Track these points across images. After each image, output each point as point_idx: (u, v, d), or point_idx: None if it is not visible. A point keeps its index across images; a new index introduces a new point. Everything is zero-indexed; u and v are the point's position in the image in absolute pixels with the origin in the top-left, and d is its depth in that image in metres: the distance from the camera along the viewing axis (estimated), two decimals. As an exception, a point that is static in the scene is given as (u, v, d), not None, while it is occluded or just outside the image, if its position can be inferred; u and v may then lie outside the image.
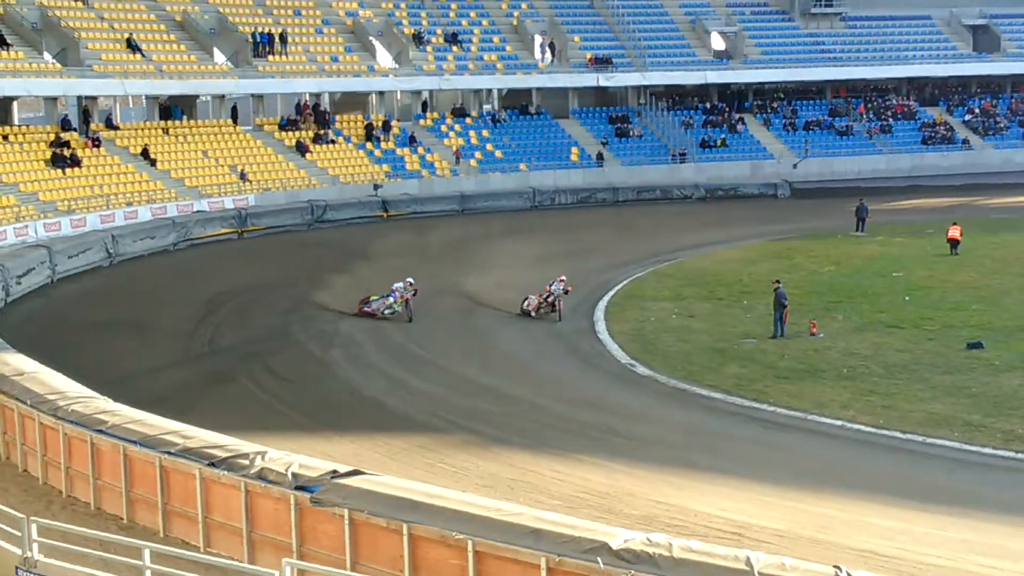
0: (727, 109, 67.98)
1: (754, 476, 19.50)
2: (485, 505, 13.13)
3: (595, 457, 20.48)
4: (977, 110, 70.91)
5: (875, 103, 70.60)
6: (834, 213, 50.70)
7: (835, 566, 11.10)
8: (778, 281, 30.71)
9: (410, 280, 32.31)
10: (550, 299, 31.97)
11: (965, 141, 68.16)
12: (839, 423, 22.72)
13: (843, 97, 70.58)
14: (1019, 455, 20.60)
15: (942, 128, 68.60)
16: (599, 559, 11.45)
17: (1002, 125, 69.77)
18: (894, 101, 71.07)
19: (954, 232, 41.63)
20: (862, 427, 22.48)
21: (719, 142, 64.77)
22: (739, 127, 66.32)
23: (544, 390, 25.69)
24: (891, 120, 68.91)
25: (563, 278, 32.42)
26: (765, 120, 67.70)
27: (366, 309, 32.28)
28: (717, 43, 69.83)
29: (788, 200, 60.08)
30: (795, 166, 63.80)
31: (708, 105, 68.30)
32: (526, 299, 32.47)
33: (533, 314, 31.96)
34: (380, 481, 14.05)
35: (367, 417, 23.39)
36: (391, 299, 32.01)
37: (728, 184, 61.49)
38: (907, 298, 34.21)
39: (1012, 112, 71.41)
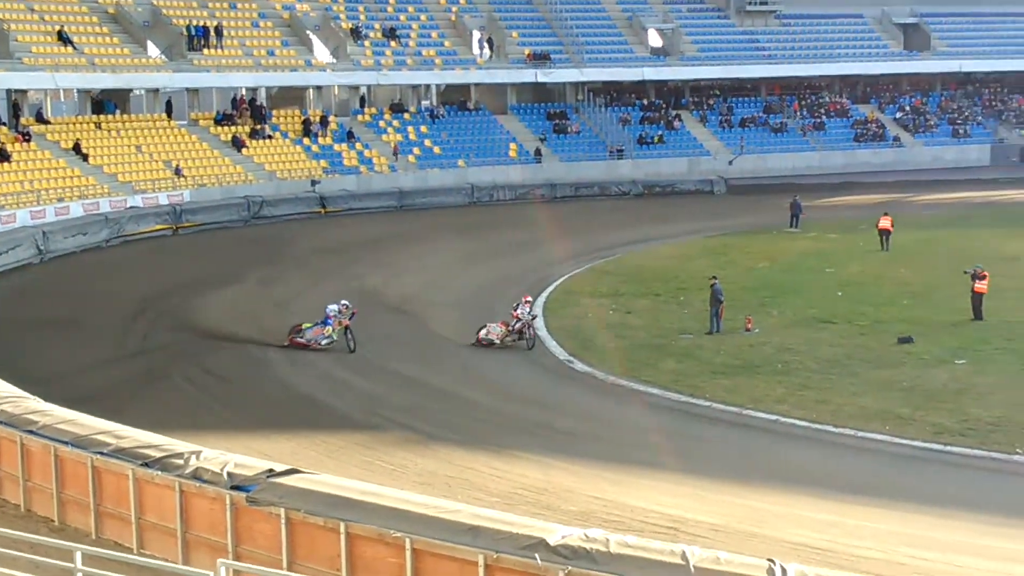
0: (664, 106, 68.45)
1: (690, 471, 19.69)
2: (423, 503, 13.10)
3: (533, 454, 20.53)
4: (908, 108, 72.06)
5: (809, 100, 71.48)
6: (769, 209, 51.23)
7: (769, 559, 11.20)
8: (715, 277, 30.95)
9: (345, 303, 28.41)
10: (517, 326, 28.55)
11: (896, 138, 69.22)
12: (774, 417, 22.93)
13: (778, 94, 71.38)
14: (948, 447, 20.95)
15: (874, 125, 69.62)
16: (537, 555, 11.48)
17: (932, 123, 70.96)
18: (827, 99, 72.00)
19: (885, 223, 42.21)
20: (796, 421, 22.72)
21: (656, 139, 65.22)
22: (676, 124, 66.81)
23: (482, 387, 25.70)
24: (824, 117, 69.81)
25: (528, 299, 29.47)
26: (701, 117, 68.27)
27: (298, 340, 28.22)
28: (654, 40, 70.33)
29: (724, 196, 60.66)
30: (731, 163, 64.40)
31: (645, 102, 68.74)
32: (484, 328, 28.86)
33: (498, 342, 28.41)
34: (317, 480, 13.97)
35: (304, 415, 23.25)
36: (327, 326, 28.07)
37: (665, 180, 61.96)
38: (840, 293, 34.69)
39: (942, 110, 72.64)
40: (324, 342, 27.98)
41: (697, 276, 35.54)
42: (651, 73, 67.89)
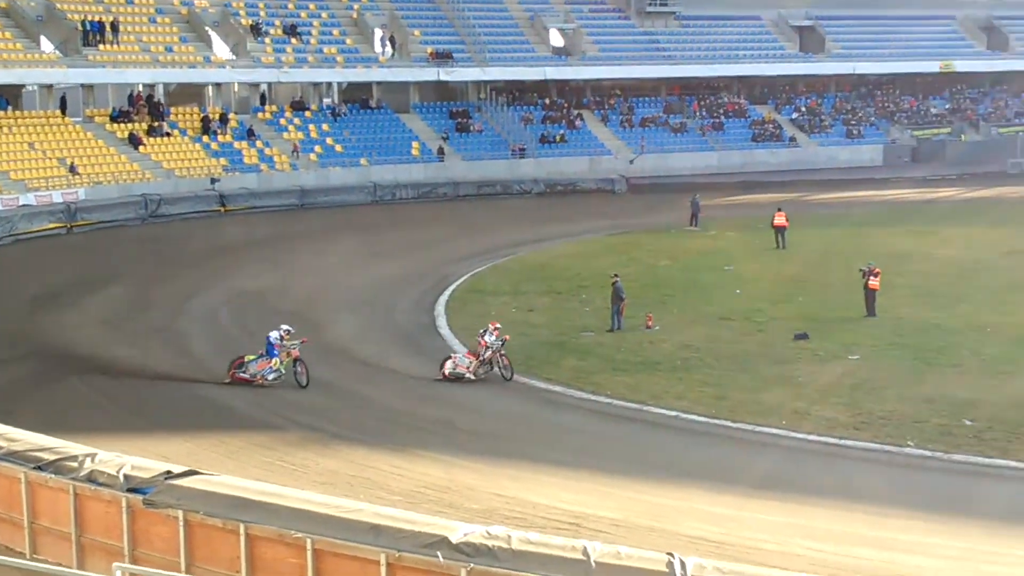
0: (566, 105, 68.88)
1: (592, 467, 19.81)
2: (324, 502, 13.01)
3: (435, 452, 20.51)
4: (803, 108, 73.46)
5: (708, 101, 72.47)
6: (669, 208, 51.83)
7: (668, 553, 11.33)
8: (616, 275, 31.15)
9: (286, 327, 25.16)
10: (487, 355, 25.65)
11: (792, 138, 70.53)
12: (673, 413, 23.19)
13: (677, 95, 72.22)
14: (842, 441, 21.38)
15: (771, 126, 70.85)
16: (439, 553, 11.47)
17: (827, 123, 72.46)
18: (726, 99, 73.05)
19: (780, 219, 42.99)
20: (695, 417, 23.00)
21: (558, 138, 65.60)
22: (577, 123, 67.29)
23: (384, 386, 25.61)
24: (723, 118, 70.85)
25: (496, 325, 26.18)
26: (603, 116, 68.86)
27: (241, 375, 24.89)
28: (556, 40, 70.70)
29: (625, 195, 61.24)
30: (631, 162, 65.04)
31: (547, 101, 69.10)
32: (449, 359, 26.18)
33: (472, 377, 25.60)
34: (216, 481, 13.80)
35: (203, 416, 22.93)
36: (273, 358, 24.83)
37: (567, 179, 62.35)
38: (738, 291, 35.22)
39: (836, 111, 74.22)
40: (271, 376, 24.80)
41: (598, 274, 35.77)
42: (553, 73, 68.27)
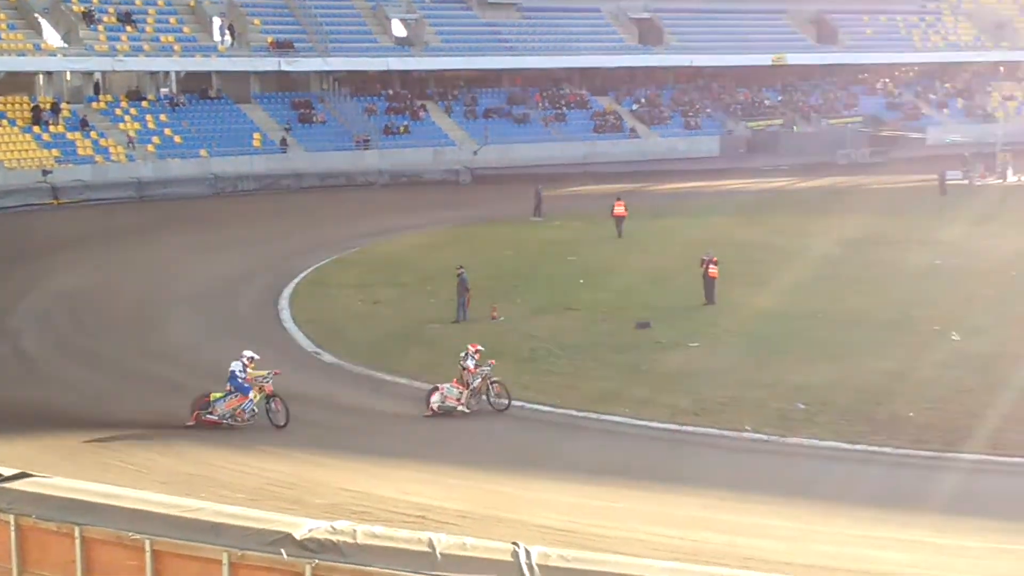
0: (410, 96, 68.64)
1: (438, 459, 19.88)
2: (163, 502, 12.73)
3: (280, 448, 20.28)
4: (643, 100, 74.73)
5: (550, 92, 73.11)
6: (513, 199, 52.12)
7: (513, 543, 11.43)
8: (461, 267, 31.26)
9: (249, 354, 22.08)
10: (476, 383, 23.00)
11: (633, 130, 71.72)
12: (519, 403, 23.32)
13: (520, 86, 72.68)
14: (684, 427, 21.93)
15: (612, 117, 71.88)
16: (283, 550, 11.36)
17: (666, 114, 73.85)
18: (568, 91, 73.84)
19: (619, 209, 43.73)
20: (541, 407, 23.29)
21: (402, 129, 65.33)
22: (421, 114, 67.14)
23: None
24: (565, 109, 71.57)
25: (477, 347, 23.48)
26: (447, 108, 68.82)
27: (209, 417, 21.65)
28: (399, 30, 70.36)
29: (469, 186, 61.39)
30: (475, 153, 65.21)
31: (391, 92, 68.75)
32: (435, 390, 23.01)
33: (465, 410, 22.77)
34: (50, 483, 13.38)
35: (39, 417, 22.16)
36: (246, 393, 21.71)
37: (411, 170, 62.14)
38: (582, 281, 35.68)
39: (675, 102, 75.71)
40: (248, 416, 21.62)
41: (444, 266, 35.73)
42: (396, 63, 67.92)
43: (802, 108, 78.49)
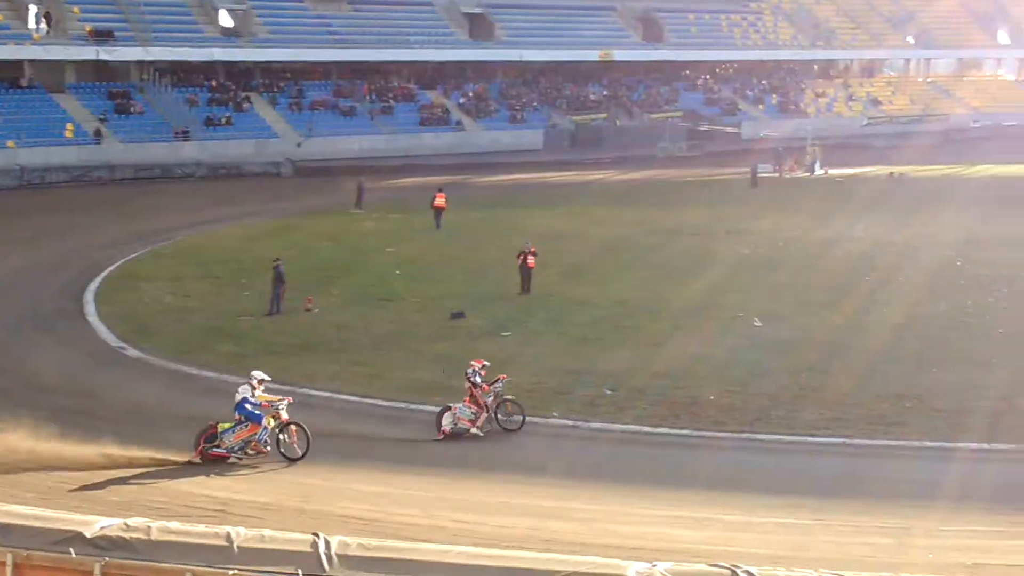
0: (234, 88, 67.41)
1: (238, 452, 19.54)
2: (-57, 504, 12.31)
3: (75, 443, 19.56)
4: (471, 94, 75.04)
5: (378, 85, 72.81)
6: (335, 191, 51.93)
7: (313, 533, 11.51)
8: (278, 259, 30.92)
9: (259, 375, 19.72)
10: (490, 400, 21.19)
11: (459, 123, 71.93)
12: (327, 394, 23.30)
13: (348, 79, 72.18)
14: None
15: (439, 110, 71.98)
16: (72, 549, 11.17)
17: (492, 108, 74.31)
18: (396, 84, 73.65)
19: (440, 200, 43.94)
20: (349, 397, 23.27)
21: (224, 120, 64.08)
22: (245, 106, 66.03)
23: (14, 376, 24.25)
24: (392, 102, 71.34)
25: (483, 363, 21.75)
26: (271, 99, 67.82)
27: (216, 451, 19.14)
28: (225, 20, 69.11)
29: (291, 178, 60.55)
30: (299, 145, 64.41)
31: (214, 83, 67.35)
32: (447, 411, 21.15)
33: (480, 433, 21.00)
34: None
35: None
36: (259, 421, 19.20)
37: (232, 163, 60.95)
38: (398, 272, 35.68)
39: (502, 96, 76.28)
40: (265, 446, 19.23)
41: (260, 258, 35.27)
42: (221, 54, 66.59)
43: (625, 103, 79.99)
